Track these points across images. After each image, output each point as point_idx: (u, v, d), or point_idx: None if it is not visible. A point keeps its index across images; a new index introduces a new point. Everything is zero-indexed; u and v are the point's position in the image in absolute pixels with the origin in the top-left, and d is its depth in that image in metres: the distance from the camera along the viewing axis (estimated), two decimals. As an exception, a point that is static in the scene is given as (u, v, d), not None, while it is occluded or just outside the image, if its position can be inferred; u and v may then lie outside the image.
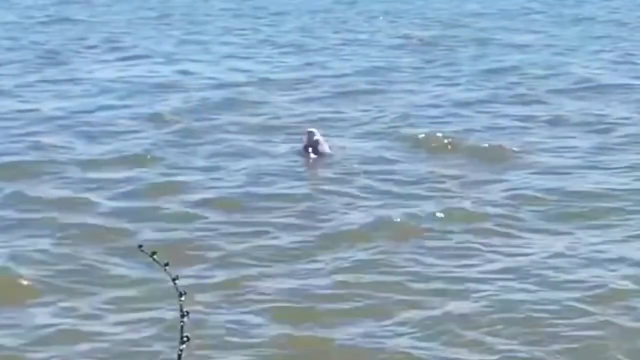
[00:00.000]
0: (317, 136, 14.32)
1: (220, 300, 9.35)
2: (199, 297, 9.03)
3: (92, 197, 12.49)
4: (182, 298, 4.88)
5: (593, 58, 21.99)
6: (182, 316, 4.84)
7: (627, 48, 23.26)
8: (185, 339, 4.79)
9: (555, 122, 15.94)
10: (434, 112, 16.83)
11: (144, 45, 24.43)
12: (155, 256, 5.02)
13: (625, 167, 13.36)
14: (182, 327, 4.82)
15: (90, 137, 15.46)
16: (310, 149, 14.16)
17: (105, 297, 9.60)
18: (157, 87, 19.31)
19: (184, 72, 20.76)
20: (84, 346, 8.59)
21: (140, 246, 5.14)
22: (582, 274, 9.76)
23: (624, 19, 28.40)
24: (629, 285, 9.48)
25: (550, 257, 10.21)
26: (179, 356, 4.79)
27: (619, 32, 25.96)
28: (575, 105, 17.09)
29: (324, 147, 14.26)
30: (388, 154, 14.22)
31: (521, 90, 18.37)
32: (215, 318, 8.92)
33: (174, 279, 4.95)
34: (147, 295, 9.57)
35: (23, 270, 10.05)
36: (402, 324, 8.89)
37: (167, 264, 4.97)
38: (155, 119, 16.53)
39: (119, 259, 10.49)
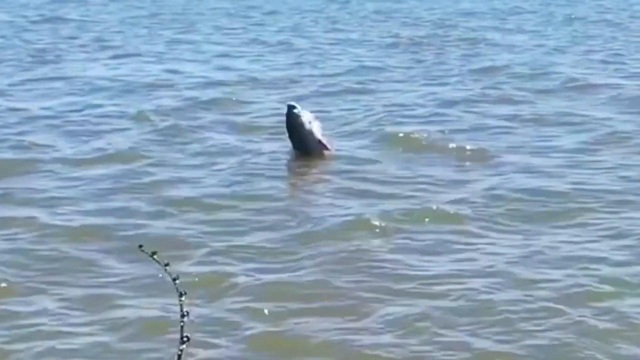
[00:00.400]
0: (298, 110, 13.97)
1: (200, 297, 9.35)
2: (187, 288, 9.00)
3: (76, 195, 12.51)
4: (183, 298, 4.89)
5: (582, 58, 22.04)
6: (183, 316, 4.86)
7: (616, 48, 23.31)
8: (185, 339, 4.79)
9: (540, 121, 15.93)
10: (420, 111, 16.84)
11: (135, 44, 24.47)
12: (155, 256, 5.00)
13: (607, 168, 13.32)
14: (182, 327, 4.84)
15: (77, 136, 15.47)
16: (297, 149, 14.09)
17: (86, 296, 9.59)
18: (147, 86, 19.36)
19: (174, 71, 20.80)
20: (63, 346, 8.57)
21: (140, 246, 5.12)
22: (560, 274, 9.73)
23: (615, 19, 28.45)
24: (606, 287, 9.43)
25: (528, 256, 10.19)
26: (179, 356, 4.80)
27: (610, 32, 26.01)
28: (562, 105, 17.10)
29: (318, 133, 13.94)
30: (372, 153, 14.22)
31: (508, 90, 18.39)
32: (195, 315, 8.90)
33: (174, 279, 4.94)
34: (127, 294, 9.59)
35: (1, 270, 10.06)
36: (380, 322, 8.88)
37: (167, 264, 4.94)
38: (143, 117, 16.55)
39: (101, 258, 10.49)
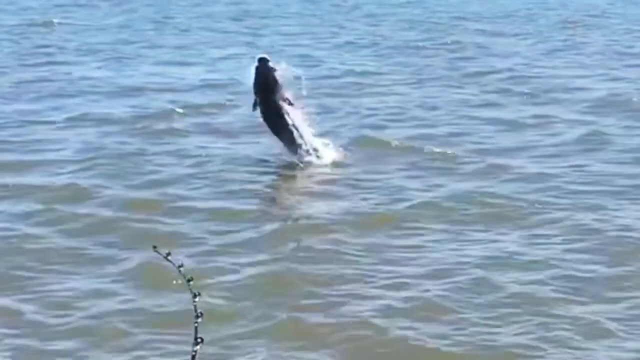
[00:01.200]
0: (270, 62, 13.96)
1: (185, 292, 9.42)
2: (166, 289, 9.12)
3: (56, 197, 12.57)
4: (196, 299, 4.85)
5: (573, 62, 22.08)
6: (197, 317, 4.81)
7: (608, 51, 23.35)
8: (199, 339, 4.74)
9: (521, 125, 16.01)
10: (404, 115, 16.95)
11: (128, 48, 24.59)
12: (169, 257, 5.01)
13: (584, 172, 13.37)
14: (196, 328, 4.77)
15: (64, 137, 15.60)
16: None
17: (63, 297, 9.67)
18: (137, 89, 19.48)
19: (165, 75, 20.90)
20: (31, 348, 8.65)
21: (154, 247, 5.11)
22: (528, 278, 9.80)
23: (610, 23, 28.46)
24: (573, 291, 9.50)
25: (496, 259, 10.27)
26: (193, 357, 4.76)
27: (603, 35, 26.04)
28: (545, 109, 17.15)
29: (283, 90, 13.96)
30: (351, 156, 14.30)
31: (493, 94, 18.50)
32: (181, 309, 8.97)
33: (188, 280, 4.92)
34: (105, 295, 9.69)
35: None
36: (346, 320, 8.98)
37: (181, 266, 4.93)
38: (131, 121, 16.67)
39: (79, 260, 10.60)
